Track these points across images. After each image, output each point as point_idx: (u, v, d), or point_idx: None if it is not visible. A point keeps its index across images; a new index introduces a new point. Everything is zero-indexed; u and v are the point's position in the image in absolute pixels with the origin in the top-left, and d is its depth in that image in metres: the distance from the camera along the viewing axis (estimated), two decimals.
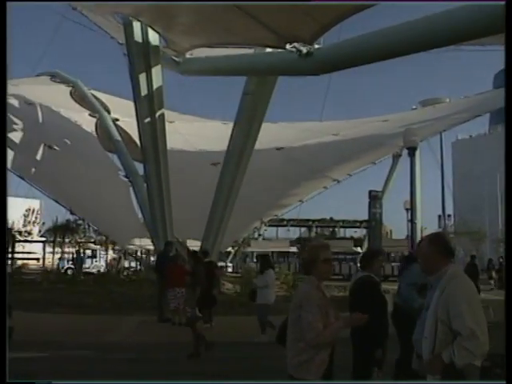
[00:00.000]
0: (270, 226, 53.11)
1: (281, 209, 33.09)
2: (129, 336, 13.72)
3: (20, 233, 51.09)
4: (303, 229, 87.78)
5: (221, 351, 11.49)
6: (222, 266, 30.11)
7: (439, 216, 57.00)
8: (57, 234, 52.41)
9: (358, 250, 46.45)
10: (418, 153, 23.51)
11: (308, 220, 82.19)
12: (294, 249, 54.57)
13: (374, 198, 40.24)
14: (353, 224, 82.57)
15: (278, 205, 32.33)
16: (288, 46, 16.28)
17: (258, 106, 22.19)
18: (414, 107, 47.10)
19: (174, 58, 22.55)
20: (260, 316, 12.75)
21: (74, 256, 42.47)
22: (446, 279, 4.01)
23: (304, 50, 15.94)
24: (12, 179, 27.85)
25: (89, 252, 51.45)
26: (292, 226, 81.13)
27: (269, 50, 19.17)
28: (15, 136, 29.06)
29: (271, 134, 30.51)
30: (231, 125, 24.36)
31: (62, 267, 40.40)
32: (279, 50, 17.33)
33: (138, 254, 44.43)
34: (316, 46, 16.25)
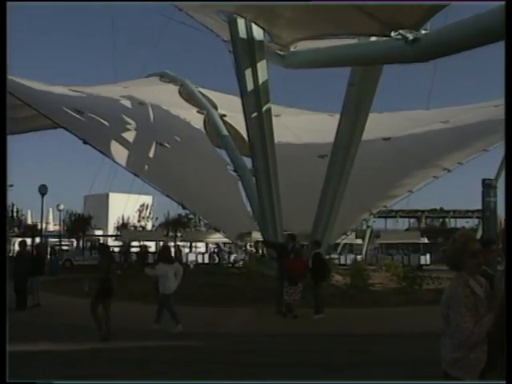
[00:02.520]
0: (378, 217, 52.14)
1: (389, 200, 32.52)
2: (239, 327, 13.98)
3: (135, 227, 53.19)
4: (412, 220, 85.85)
5: (328, 342, 11.55)
6: (330, 258, 29.92)
7: None
8: (169, 228, 54.18)
9: None
10: None
11: (417, 211, 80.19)
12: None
13: (488, 187, 38.67)
14: (464, 214, 79.81)
15: (386, 196, 31.80)
16: (393, 34, 15.96)
17: (364, 97, 21.93)
18: None
19: (279, 52, 22.69)
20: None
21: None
22: None
23: (410, 36, 15.56)
24: (127, 176, 28.96)
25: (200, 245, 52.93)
26: (401, 217, 79.47)
27: (373, 38, 18.91)
28: (129, 135, 30.21)
29: (378, 125, 30.04)
30: (337, 117, 24.20)
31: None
32: (384, 38, 17.04)
33: (248, 246, 45.16)
34: (422, 32, 15.82)
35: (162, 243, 41.32)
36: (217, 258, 41.23)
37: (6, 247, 5.67)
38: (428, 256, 46.27)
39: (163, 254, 14.09)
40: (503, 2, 5.15)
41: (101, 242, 44.16)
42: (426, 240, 51.77)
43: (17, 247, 21.38)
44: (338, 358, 10.23)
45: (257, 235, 28.80)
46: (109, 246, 18.60)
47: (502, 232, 4.54)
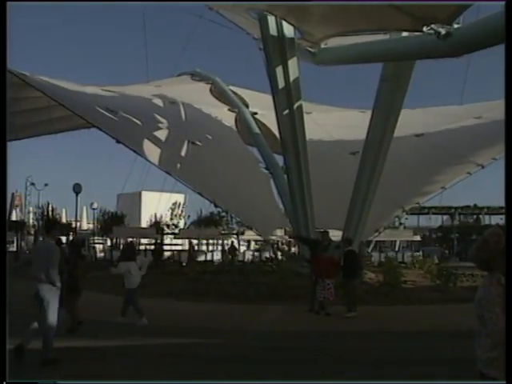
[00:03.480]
0: (411, 214, 51.62)
1: (422, 196, 32.17)
2: (273, 325, 14.01)
3: (168, 226, 53.48)
4: (445, 217, 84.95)
5: (362, 340, 11.50)
6: (364, 256, 29.72)
7: None
8: (201, 226, 54.35)
9: None
10: None
11: (450, 207, 79.33)
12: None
13: None
14: (498, 210, 78.63)
15: (419, 192, 31.49)
16: (425, 29, 15.78)
17: (397, 93, 21.76)
18: None
19: (310, 49, 22.63)
20: None
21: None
22: None
23: (442, 30, 15.36)
24: (159, 175, 29.21)
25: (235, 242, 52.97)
26: (434, 213, 78.75)
27: (404, 34, 18.74)
28: (161, 134, 30.40)
29: (410, 121, 29.77)
30: (369, 113, 24.06)
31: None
32: (416, 34, 16.87)
33: (280, 244, 45.07)
34: (455, 26, 15.62)
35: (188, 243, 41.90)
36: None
37: (6, 247, 5.73)
38: None
39: (125, 252, 15.04)
40: (503, 2, 5.08)
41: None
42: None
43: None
44: (375, 355, 10.18)
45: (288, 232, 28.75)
46: (78, 244, 19.23)
47: None
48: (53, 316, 8.69)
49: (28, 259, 10.66)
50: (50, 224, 10.64)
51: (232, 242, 45.86)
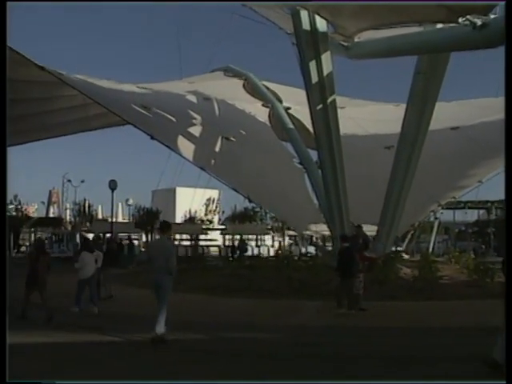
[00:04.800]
0: (446, 208, 51.01)
1: (458, 190, 31.79)
2: (308, 320, 14.01)
3: (202, 221, 53.82)
4: (482, 211, 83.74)
5: (400, 337, 11.44)
6: (398, 251, 29.44)
7: None
8: (235, 221, 54.60)
9: None
10: None
11: (487, 201, 78.15)
12: None
13: None
14: None
15: (455, 186, 31.12)
16: (460, 20, 15.56)
17: (431, 86, 21.54)
18: None
19: (343, 43, 22.49)
20: None
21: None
22: None
23: (478, 21, 15.15)
24: (193, 171, 29.37)
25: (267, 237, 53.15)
26: (470, 208, 77.66)
27: (439, 25, 18.51)
28: (195, 130, 30.55)
29: (446, 114, 29.42)
30: (403, 107, 23.85)
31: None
32: (451, 25, 16.65)
33: (314, 239, 45.01)
34: (491, 17, 15.37)
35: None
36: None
37: (6, 247, 5.79)
38: None
39: (84, 244, 17.69)
40: (503, 2, 5.03)
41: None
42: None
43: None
44: (415, 352, 10.11)
45: (322, 227, 28.61)
46: (43, 240, 22.05)
47: None
48: (166, 298, 10.71)
49: (148, 256, 12.35)
50: (165, 225, 11.87)
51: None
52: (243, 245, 42.26)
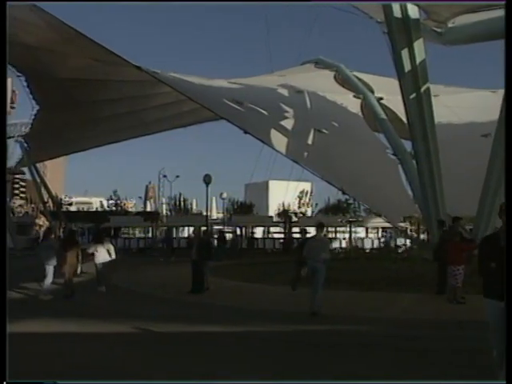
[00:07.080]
0: None
1: None
2: (405, 312, 13.82)
3: (295, 214, 53.97)
4: None
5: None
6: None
7: None
8: (329, 213, 54.41)
9: None
10: None
11: None
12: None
13: None
14: None
15: None
16: None
17: None
18: None
19: (436, 29, 21.94)
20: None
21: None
22: None
23: None
24: (286, 164, 29.49)
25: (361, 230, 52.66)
26: None
27: None
28: (287, 123, 30.69)
29: None
30: (501, 92, 23.01)
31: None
32: None
33: (409, 231, 44.21)
34: None
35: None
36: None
37: (6, 247, 5.85)
38: None
39: (98, 236, 20.97)
40: (503, 2, 4.81)
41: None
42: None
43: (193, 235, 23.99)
44: None
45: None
46: (74, 231, 23.83)
47: None
48: (321, 281, 13.09)
49: (307, 249, 13.65)
50: (320, 225, 14.15)
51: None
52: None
